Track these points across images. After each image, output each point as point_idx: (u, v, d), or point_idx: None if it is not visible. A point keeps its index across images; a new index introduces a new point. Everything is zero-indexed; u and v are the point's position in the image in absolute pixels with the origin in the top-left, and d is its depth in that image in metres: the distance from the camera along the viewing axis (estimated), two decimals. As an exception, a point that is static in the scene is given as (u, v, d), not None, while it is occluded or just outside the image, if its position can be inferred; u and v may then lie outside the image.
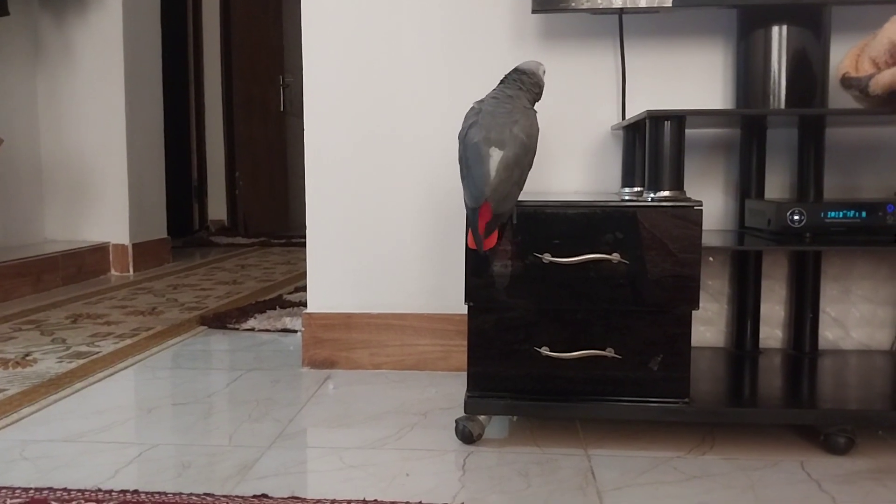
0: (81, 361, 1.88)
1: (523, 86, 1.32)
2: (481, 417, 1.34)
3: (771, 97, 1.51)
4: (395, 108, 1.76)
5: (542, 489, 1.14)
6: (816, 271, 1.61)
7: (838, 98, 1.53)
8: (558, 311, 1.29)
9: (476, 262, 1.29)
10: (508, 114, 1.25)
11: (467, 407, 1.32)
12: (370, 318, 1.78)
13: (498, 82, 1.35)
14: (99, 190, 3.43)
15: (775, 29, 1.50)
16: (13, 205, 3.22)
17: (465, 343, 1.32)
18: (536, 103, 1.34)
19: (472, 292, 1.30)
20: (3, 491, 1.12)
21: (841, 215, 1.36)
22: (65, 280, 3.09)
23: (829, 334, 1.67)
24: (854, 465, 1.23)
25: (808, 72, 1.51)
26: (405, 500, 1.09)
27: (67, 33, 3.39)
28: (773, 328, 1.68)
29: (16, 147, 3.22)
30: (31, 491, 1.12)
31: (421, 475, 1.19)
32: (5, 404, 1.54)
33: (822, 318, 1.64)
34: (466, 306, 1.31)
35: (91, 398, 1.59)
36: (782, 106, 1.51)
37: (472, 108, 1.30)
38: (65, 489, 1.12)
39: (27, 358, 1.91)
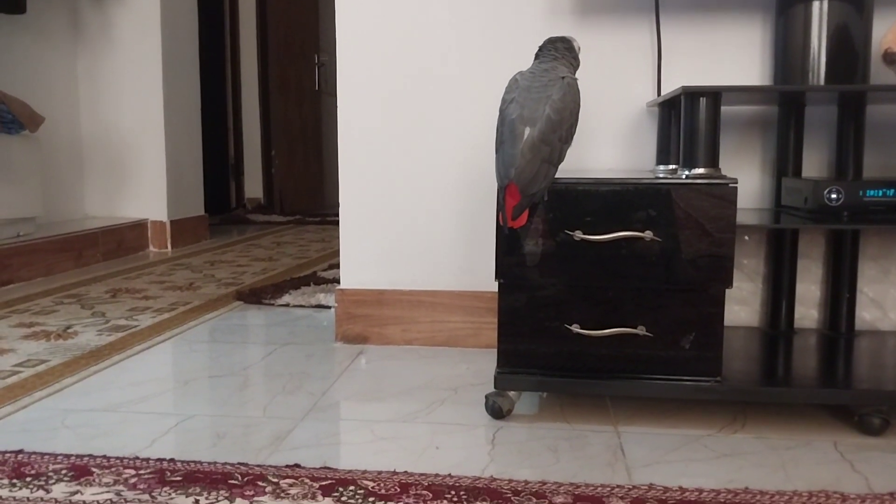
0: (120, 334, 1.92)
1: (557, 53, 1.31)
2: (511, 393, 1.35)
3: (810, 73, 1.48)
4: (427, 87, 1.75)
5: (572, 464, 1.14)
6: (854, 251, 1.58)
7: (880, 74, 1.50)
8: (589, 288, 1.29)
9: (507, 240, 1.29)
10: (543, 88, 1.24)
11: (497, 383, 1.32)
12: (402, 294, 1.79)
13: (533, 58, 1.35)
14: (138, 167, 3.48)
15: (816, 3, 1.47)
16: (54, 182, 3.29)
17: (496, 320, 1.32)
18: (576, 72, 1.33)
19: (503, 270, 1.30)
20: (46, 457, 1.15)
21: (880, 194, 1.33)
22: (105, 256, 3.16)
23: (867, 315, 1.64)
24: (889, 446, 1.21)
25: (849, 47, 1.48)
26: (435, 473, 1.10)
27: (107, 13, 3.43)
28: (808, 308, 1.66)
29: (56, 125, 3.28)
30: (73, 458, 1.15)
31: (450, 448, 1.20)
32: (48, 375, 1.58)
33: (860, 298, 1.62)
34: (497, 283, 1.31)
35: (129, 370, 1.63)
36: (822, 82, 1.48)
37: (513, 78, 1.30)
38: (104, 456, 1.16)
39: (68, 330, 1.96)
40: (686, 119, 1.29)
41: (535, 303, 1.30)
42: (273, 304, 2.28)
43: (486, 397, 1.35)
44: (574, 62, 1.34)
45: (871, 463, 1.15)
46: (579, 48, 1.35)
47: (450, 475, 1.09)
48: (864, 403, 1.26)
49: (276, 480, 1.07)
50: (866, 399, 1.26)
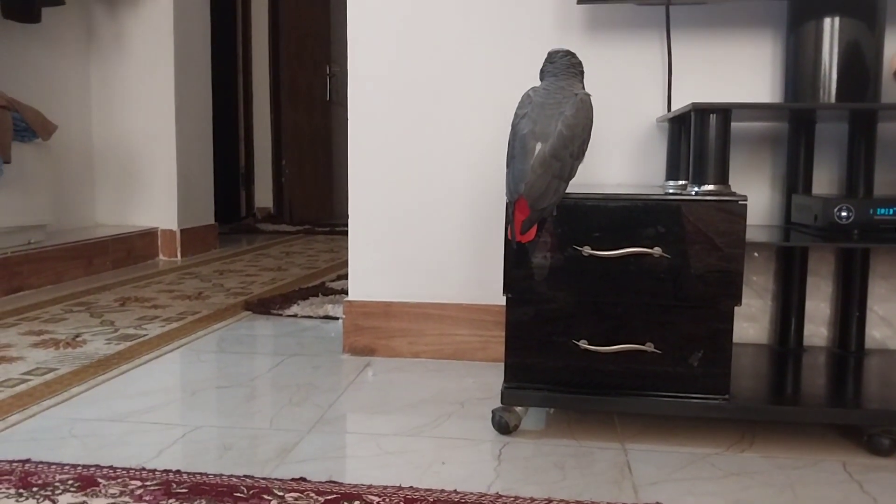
0: (129, 343, 1.93)
1: (575, 69, 1.31)
2: (518, 408, 1.34)
3: (821, 91, 1.48)
4: (438, 101, 1.76)
5: (578, 481, 1.14)
6: (864, 269, 1.58)
7: (891, 92, 1.49)
8: (597, 304, 1.28)
9: (515, 254, 1.29)
10: (556, 104, 1.24)
11: (504, 398, 1.32)
12: (409, 307, 1.79)
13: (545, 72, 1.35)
14: (148, 176, 3.50)
15: (827, 20, 1.47)
16: (66, 189, 3.31)
17: (504, 334, 1.32)
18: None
19: (511, 284, 1.30)
20: (53, 467, 1.16)
21: (891, 212, 1.33)
22: (114, 264, 3.17)
23: (877, 333, 1.63)
24: (898, 468, 1.21)
25: (860, 65, 1.47)
26: (440, 488, 1.10)
27: (120, 22, 3.46)
28: (818, 326, 1.65)
29: (69, 133, 3.30)
30: (80, 468, 1.15)
31: (456, 464, 1.20)
32: (56, 383, 1.59)
33: (870, 316, 1.61)
34: (505, 297, 1.31)
35: (137, 380, 1.63)
36: (832, 100, 1.48)
37: (526, 94, 1.30)
38: (111, 467, 1.16)
39: (77, 339, 1.97)
40: (696, 135, 1.29)
41: (543, 317, 1.30)
42: (281, 315, 2.29)
43: (493, 412, 1.34)
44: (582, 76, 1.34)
45: (880, 484, 1.14)
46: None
47: (455, 491, 1.09)
48: (873, 423, 1.26)
49: (281, 494, 1.07)
50: (876, 419, 1.25)
